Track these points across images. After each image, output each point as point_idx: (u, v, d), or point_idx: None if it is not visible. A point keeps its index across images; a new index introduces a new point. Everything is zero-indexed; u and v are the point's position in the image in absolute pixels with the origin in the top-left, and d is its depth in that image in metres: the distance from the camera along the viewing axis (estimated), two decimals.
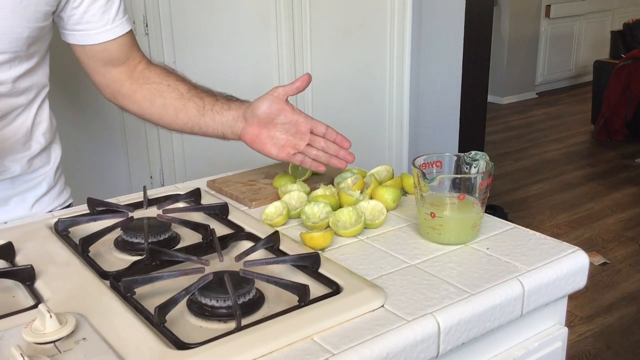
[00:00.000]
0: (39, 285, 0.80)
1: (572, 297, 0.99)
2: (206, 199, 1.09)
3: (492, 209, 3.29)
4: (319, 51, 2.54)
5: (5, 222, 1.03)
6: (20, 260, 0.87)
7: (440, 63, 2.98)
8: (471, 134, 3.13)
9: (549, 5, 6.18)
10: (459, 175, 0.93)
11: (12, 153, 1.03)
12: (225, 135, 1.11)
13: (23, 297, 0.79)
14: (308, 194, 1.07)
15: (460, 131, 3.02)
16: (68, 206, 1.16)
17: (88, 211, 1.03)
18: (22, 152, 1.06)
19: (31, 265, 0.81)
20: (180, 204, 1.06)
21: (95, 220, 0.98)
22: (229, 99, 1.12)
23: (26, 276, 0.80)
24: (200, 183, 1.18)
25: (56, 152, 1.14)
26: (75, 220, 0.97)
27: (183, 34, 2.19)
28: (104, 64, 1.10)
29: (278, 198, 1.07)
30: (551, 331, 0.89)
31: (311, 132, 1.07)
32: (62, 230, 0.96)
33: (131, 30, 1.11)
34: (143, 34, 2.08)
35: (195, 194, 1.08)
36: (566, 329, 0.90)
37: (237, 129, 1.08)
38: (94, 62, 1.10)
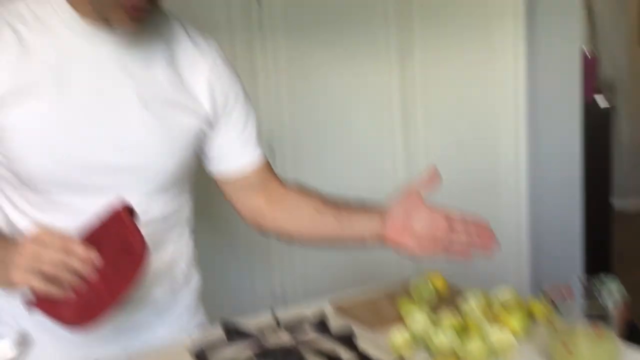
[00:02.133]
0: None
1: None
2: (332, 321, 1.12)
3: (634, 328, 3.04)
4: (434, 155, 2.56)
5: (148, 346, 1.09)
6: None
7: (558, 174, 2.89)
8: (597, 245, 3.00)
9: None
10: (593, 314, 0.90)
11: (157, 281, 1.10)
12: (365, 240, 1.14)
13: None
14: (432, 318, 1.07)
15: (586, 242, 2.88)
16: (203, 324, 1.22)
17: (222, 333, 1.08)
18: (167, 279, 1.13)
19: None
20: (308, 329, 1.09)
21: (229, 345, 1.04)
22: (364, 204, 1.16)
23: None
24: (323, 302, 1.22)
25: (196, 278, 1.21)
26: (212, 344, 1.04)
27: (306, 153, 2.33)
28: (243, 189, 1.17)
29: (402, 322, 1.08)
30: None
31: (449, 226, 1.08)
32: (199, 354, 1.02)
33: (265, 156, 1.19)
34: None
35: (322, 317, 1.12)
36: None
37: (375, 231, 1.12)
38: (233, 188, 1.17)
